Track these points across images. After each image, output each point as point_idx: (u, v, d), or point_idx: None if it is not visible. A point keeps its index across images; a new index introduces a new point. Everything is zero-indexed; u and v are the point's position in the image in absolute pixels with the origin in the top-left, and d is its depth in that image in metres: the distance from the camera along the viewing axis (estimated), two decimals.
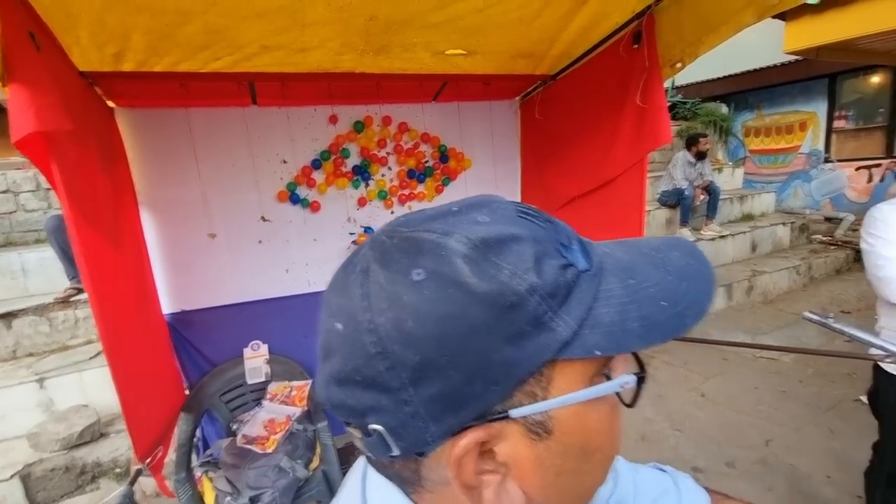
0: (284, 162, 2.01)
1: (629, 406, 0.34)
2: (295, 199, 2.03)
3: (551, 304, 0.28)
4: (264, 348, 1.96)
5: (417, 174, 2.23)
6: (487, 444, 0.29)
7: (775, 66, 6.10)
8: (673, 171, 5.07)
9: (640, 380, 0.33)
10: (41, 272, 3.46)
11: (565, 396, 0.29)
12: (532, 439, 0.30)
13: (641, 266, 0.33)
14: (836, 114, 6.28)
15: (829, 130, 6.34)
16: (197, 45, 1.43)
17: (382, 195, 2.18)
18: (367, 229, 2.17)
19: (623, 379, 0.32)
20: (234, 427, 1.82)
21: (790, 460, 2.36)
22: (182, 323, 1.93)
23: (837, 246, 5.54)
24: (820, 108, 6.36)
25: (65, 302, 3.21)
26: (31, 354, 3.09)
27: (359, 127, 2.08)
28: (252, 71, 1.65)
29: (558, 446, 0.30)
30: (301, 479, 1.64)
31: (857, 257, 5.26)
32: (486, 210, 0.32)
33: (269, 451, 1.67)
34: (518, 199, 2.49)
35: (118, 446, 2.57)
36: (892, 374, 1.45)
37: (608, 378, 0.32)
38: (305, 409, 1.81)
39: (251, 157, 1.93)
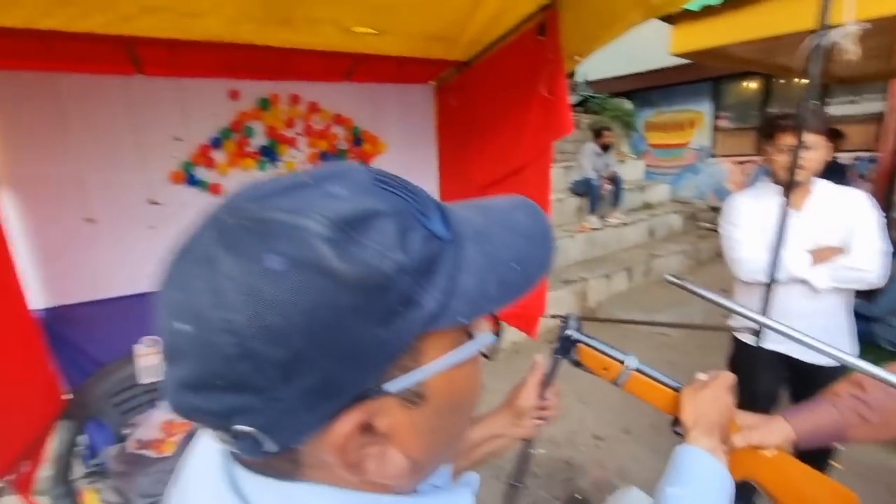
0: (178, 139, 1.83)
1: (488, 358, 0.37)
2: (192, 181, 1.87)
3: (419, 279, 0.28)
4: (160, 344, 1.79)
5: (330, 157, 2.15)
6: (365, 421, 0.29)
7: (672, 67, 6.69)
8: (582, 161, 5.41)
9: (497, 335, 0.36)
10: None
11: (435, 363, 0.30)
12: (408, 407, 0.30)
13: (495, 230, 0.34)
14: (719, 114, 7.07)
15: (714, 128, 7.13)
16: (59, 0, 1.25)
17: None
18: None
19: (484, 338, 0.34)
20: (126, 432, 1.66)
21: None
22: (60, 319, 1.71)
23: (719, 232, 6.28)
24: (706, 108, 7.11)
25: None
26: None
27: (264, 104, 1.95)
28: (132, 35, 1.48)
29: (432, 409, 0.31)
30: None
31: None
32: (341, 181, 0.29)
33: (167, 454, 1.54)
34: (437, 185, 2.50)
35: None
36: (743, 342, 1.68)
37: (471, 337, 0.33)
38: None
39: (135, 131, 1.73)
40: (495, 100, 2.04)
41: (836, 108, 5.65)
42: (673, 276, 0.69)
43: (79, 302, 1.74)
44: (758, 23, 1.97)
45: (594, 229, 5.22)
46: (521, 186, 2.02)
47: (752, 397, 1.64)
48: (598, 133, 5.43)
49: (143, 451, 1.56)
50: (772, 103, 6.41)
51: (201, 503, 0.35)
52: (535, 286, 0.34)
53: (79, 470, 1.66)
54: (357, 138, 2.20)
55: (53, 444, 1.57)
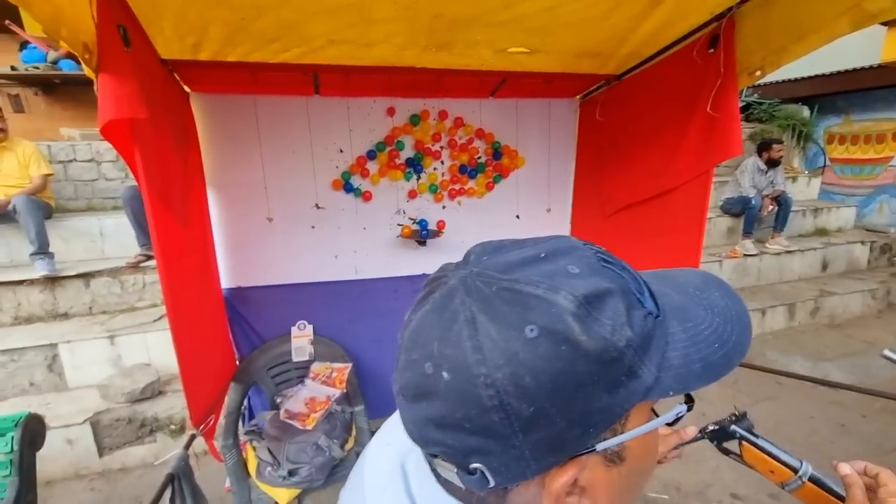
0: (341, 151, 2.06)
1: (671, 425, 0.39)
2: (349, 188, 2.08)
3: (640, 354, 0.31)
4: (309, 329, 2.05)
5: (469, 170, 2.22)
6: (578, 475, 0.33)
7: (871, 67, 5.50)
8: (741, 177, 4.76)
9: (689, 408, 0.38)
10: (116, 237, 3.77)
11: (638, 429, 0.33)
12: (608, 466, 0.34)
13: (693, 308, 0.37)
14: None
15: None
16: (268, 38, 1.49)
17: (433, 189, 2.20)
18: (421, 223, 2.20)
19: (678, 409, 0.38)
20: (279, 401, 1.93)
21: None
22: (237, 298, 2.05)
23: None
24: None
25: (135, 266, 3.48)
26: (104, 312, 3.40)
27: (415, 120, 2.09)
28: (317, 63, 1.69)
29: (627, 470, 0.35)
30: (336, 459, 1.72)
31: None
32: (573, 258, 0.33)
33: (309, 427, 1.75)
34: (570, 200, 2.43)
35: (174, 405, 2.78)
36: None
37: (653, 410, 0.37)
38: (344, 391, 1.89)
39: (310, 145, 1.99)
40: (649, 116, 1.90)
41: None
42: (893, 350, 0.57)
43: (253, 285, 2.06)
44: None
45: (748, 255, 4.56)
46: (671, 209, 1.86)
47: None
48: (764, 146, 4.73)
49: (291, 421, 1.79)
50: None
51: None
52: (732, 368, 0.35)
53: (240, 427, 1.98)
54: (496, 152, 2.23)
55: (226, 402, 1.90)
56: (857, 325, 4.36)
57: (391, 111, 2.07)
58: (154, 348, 3.03)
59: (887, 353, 0.72)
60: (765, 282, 4.66)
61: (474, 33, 1.56)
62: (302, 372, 2.03)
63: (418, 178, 2.18)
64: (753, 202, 4.57)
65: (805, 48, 1.37)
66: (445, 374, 0.31)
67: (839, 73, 5.99)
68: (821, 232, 5.50)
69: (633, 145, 2.00)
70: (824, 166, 6.64)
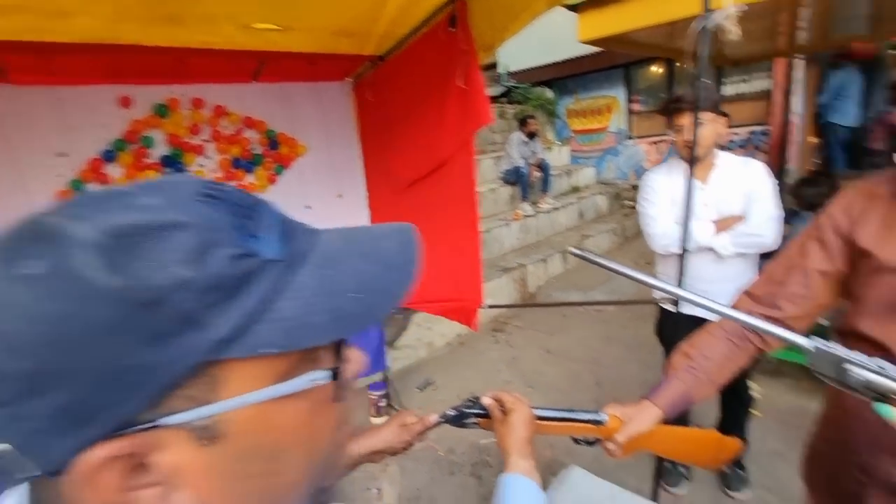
0: (62, 154, 1.63)
1: (336, 401, 0.33)
2: None
3: (207, 299, 0.25)
4: None
5: (244, 163, 2.02)
6: (136, 456, 0.26)
7: (586, 55, 7.00)
8: (510, 150, 5.53)
9: (335, 375, 0.31)
10: None
11: (235, 399, 0.27)
12: (199, 445, 0.27)
13: (349, 256, 0.32)
14: (632, 98, 7.52)
15: (629, 112, 7.57)
16: None
17: None
18: None
19: (311, 376, 0.30)
20: None
21: (616, 396, 2.80)
22: None
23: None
24: (620, 94, 7.53)
25: None
26: None
27: (161, 110, 1.79)
28: None
29: (234, 450, 0.28)
30: None
31: None
32: (161, 193, 0.27)
33: None
34: (363, 183, 2.44)
35: None
36: (667, 310, 1.79)
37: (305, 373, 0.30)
38: None
39: (9, 149, 1.52)
40: (412, 94, 2.01)
41: (729, 88, 6.19)
42: (576, 247, 0.70)
43: None
44: (655, 9, 2.11)
45: (527, 216, 5.37)
46: (446, 180, 2.01)
47: None
48: (522, 122, 5.57)
49: None
50: (676, 85, 6.92)
51: None
52: (378, 319, 0.31)
53: None
54: (273, 141, 2.08)
55: None
56: (608, 257, 5.57)
57: (125, 101, 1.72)
58: None
59: (571, 249, 0.89)
60: (542, 236, 5.57)
61: (207, 5, 1.39)
62: None
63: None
64: (523, 170, 5.38)
65: (518, 26, 1.61)
66: None
67: (567, 60, 7.44)
68: (574, 189, 6.83)
69: (405, 123, 2.09)
70: (569, 136, 8.24)
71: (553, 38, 5.53)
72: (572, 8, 2.40)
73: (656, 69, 7.18)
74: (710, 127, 1.57)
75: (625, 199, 7.04)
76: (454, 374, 3.26)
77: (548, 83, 8.17)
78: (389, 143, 2.22)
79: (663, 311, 1.84)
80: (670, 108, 1.62)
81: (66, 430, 0.24)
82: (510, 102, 7.86)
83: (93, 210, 0.25)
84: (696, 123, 1.35)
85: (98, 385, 0.24)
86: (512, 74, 8.43)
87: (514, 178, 5.50)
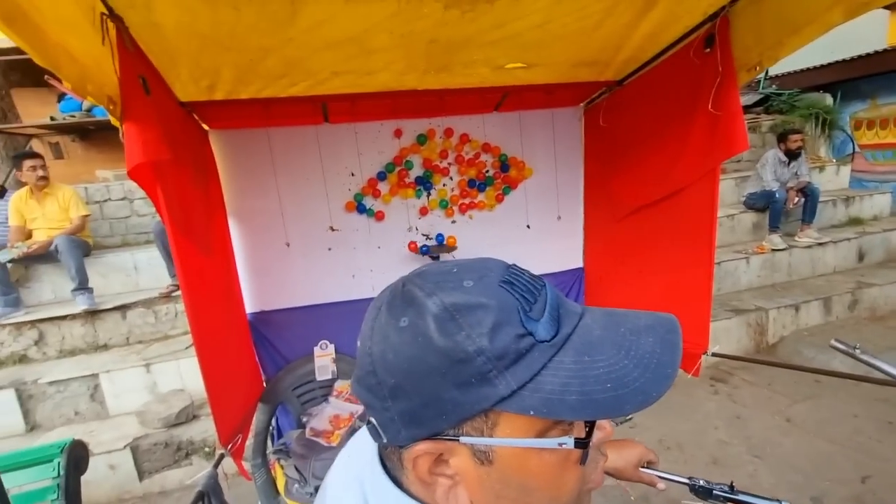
0: (352, 174, 2.14)
1: (581, 463, 0.40)
2: (361, 209, 2.15)
3: (497, 364, 0.35)
4: (331, 348, 2.11)
5: (478, 183, 2.27)
6: (442, 455, 0.39)
7: (894, 49, 5.32)
8: (762, 171, 4.64)
9: (580, 445, 0.38)
10: (149, 270, 3.96)
11: (503, 439, 0.37)
12: (476, 462, 0.38)
13: (606, 345, 0.37)
14: None
15: None
16: (276, 75, 1.58)
17: (444, 204, 2.25)
18: (438, 237, 2.25)
19: (559, 440, 0.38)
20: (304, 419, 1.98)
21: (892, 500, 2.09)
22: (261, 321, 2.13)
23: None
24: None
25: (167, 296, 3.65)
26: (140, 342, 3.56)
27: (421, 139, 2.16)
28: (324, 93, 1.78)
29: (498, 474, 0.38)
30: None
31: None
32: (475, 276, 0.39)
33: (334, 444, 1.80)
34: (581, 207, 2.44)
35: (207, 428, 2.88)
36: None
37: (559, 435, 0.38)
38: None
39: (322, 170, 2.08)
40: (652, 119, 1.91)
41: None
42: (840, 340, 0.58)
43: (275, 309, 2.14)
44: None
45: (777, 250, 4.42)
46: (682, 209, 1.86)
47: None
48: (782, 137, 4.62)
49: (317, 439, 1.84)
50: None
51: (338, 482, 0.49)
52: (625, 414, 0.36)
53: (269, 446, 2.04)
54: (504, 164, 2.27)
55: (254, 423, 1.96)
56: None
57: (398, 133, 2.14)
58: (187, 374, 3.15)
59: (834, 342, 0.72)
60: (797, 276, 4.50)
61: (470, 53, 1.62)
62: (326, 390, 2.09)
63: (428, 194, 2.24)
64: (777, 195, 4.44)
65: (801, 41, 1.36)
66: (358, 343, 0.41)
67: (861, 57, 5.80)
68: (855, 221, 5.28)
69: (638, 148, 2.01)
70: (853, 153, 6.40)
71: (837, 32, 4.38)
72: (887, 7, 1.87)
73: None
74: None
75: None
76: (659, 416, 2.95)
77: (826, 87, 6.52)
78: (617, 168, 2.16)
79: None
80: None
81: (406, 426, 0.38)
82: (768, 112, 6.57)
83: (436, 287, 0.38)
84: None
85: (426, 404, 0.36)
86: (773, 79, 7.04)
87: (763, 203, 4.61)
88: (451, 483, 0.40)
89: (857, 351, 0.64)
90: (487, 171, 2.27)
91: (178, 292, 3.58)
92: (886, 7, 1.83)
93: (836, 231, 4.97)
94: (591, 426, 0.39)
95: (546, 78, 1.95)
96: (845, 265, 4.71)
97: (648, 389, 0.36)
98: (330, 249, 2.14)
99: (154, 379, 3.13)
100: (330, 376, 2.08)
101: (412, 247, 2.19)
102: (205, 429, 2.88)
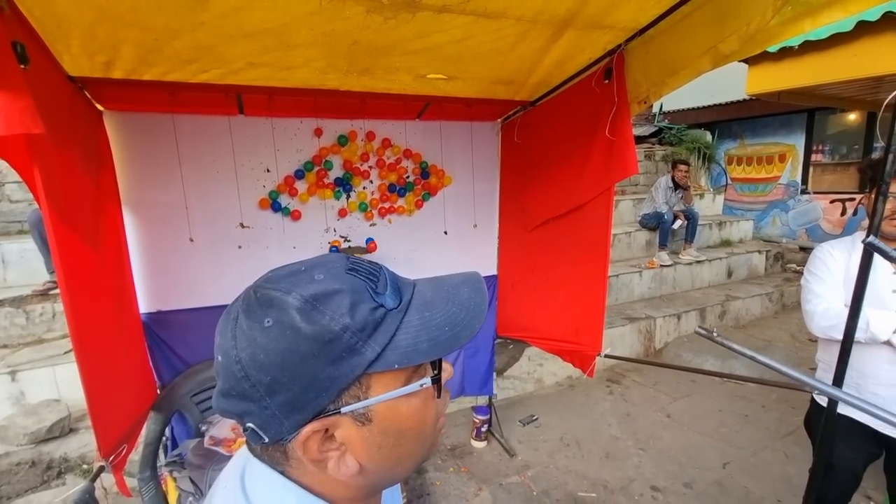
0: (268, 171, 2.07)
1: (438, 396, 0.48)
2: (276, 207, 2.09)
3: (361, 336, 0.40)
4: None
5: (398, 188, 2.30)
6: (328, 430, 0.42)
7: (758, 98, 6.29)
8: (655, 194, 5.21)
9: (435, 380, 0.46)
10: (22, 264, 3.46)
11: (378, 397, 0.42)
12: (358, 425, 0.43)
13: (438, 301, 0.46)
14: (814, 147, 6.50)
15: (807, 163, 6.56)
16: (186, 59, 1.50)
17: (363, 207, 2.25)
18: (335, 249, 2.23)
19: (420, 381, 0.44)
20: (203, 428, 1.85)
21: (745, 483, 2.44)
22: (158, 323, 1.97)
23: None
24: (799, 141, 6.57)
25: (43, 295, 3.21)
26: (4, 346, 3.08)
27: (343, 140, 2.15)
28: (239, 84, 1.71)
29: (378, 429, 0.43)
30: None
31: None
32: (323, 269, 0.43)
33: (235, 453, 1.70)
34: (496, 216, 2.57)
35: (87, 442, 2.57)
36: (818, 402, 1.55)
37: (419, 379, 0.45)
38: None
39: (235, 164, 1.98)
40: (559, 139, 2.08)
41: None
42: (703, 327, 0.70)
43: (175, 309, 1.99)
44: (848, 64, 1.85)
45: (664, 266, 4.98)
46: (582, 223, 2.04)
47: (828, 468, 1.50)
48: (674, 165, 5.24)
49: (216, 448, 1.73)
50: (876, 137, 5.80)
51: (221, 482, 0.49)
52: (461, 345, 0.45)
53: (161, 458, 1.87)
54: (424, 171, 2.33)
55: (144, 433, 1.80)
56: (758, 326, 4.87)
57: (318, 132, 2.12)
58: (65, 382, 2.78)
59: (697, 329, 0.86)
60: (679, 289, 5.09)
61: (392, 60, 1.66)
62: None
63: (348, 196, 2.23)
64: (666, 216, 5.02)
65: (678, 81, 1.58)
66: (219, 357, 0.42)
67: (732, 102, 6.78)
68: (725, 243, 6.12)
69: (547, 165, 2.18)
70: (726, 185, 7.43)
71: (717, 78, 5.12)
72: (743, 60, 2.24)
73: (849, 116, 6.14)
74: None
75: (789, 262, 6.08)
76: (560, 416, 3.17)
77: (708, 125, 7.51)
78: (528, 182, 2.32)
79: (815, 403, 1.59)
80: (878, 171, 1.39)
81: (289, 415, 0.40)
82: (661, 143, 7.41)
83: (291, 284, 0.41)
84: (883, 196, 1.17)
85: (306, 389, 0.40)
86: (666, 114, 7.96)
87: (655, 223, 5.17)
88: (339, 453, 0.43)
89: (715, 334, 0.77)
90: (408, 177, 2.32)
91: (58, 290, 3.17)
92: (744, 61, 2.20)
93: (711, 251, 5.71)
94: (438, 365, 0.46)
95: (466, 92, 2.05)
96: (717, 280, 5.43)
97: (472, 324, 0.46)
98: (240, 247, 2.05)
99: (21, 388, 2.72)
100: None
101: (336, 245, 2.16)
102: (84, 443, 2.57)
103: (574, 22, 1.50)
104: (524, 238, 2.42)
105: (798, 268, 5.95)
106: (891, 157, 1.05)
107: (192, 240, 1.94)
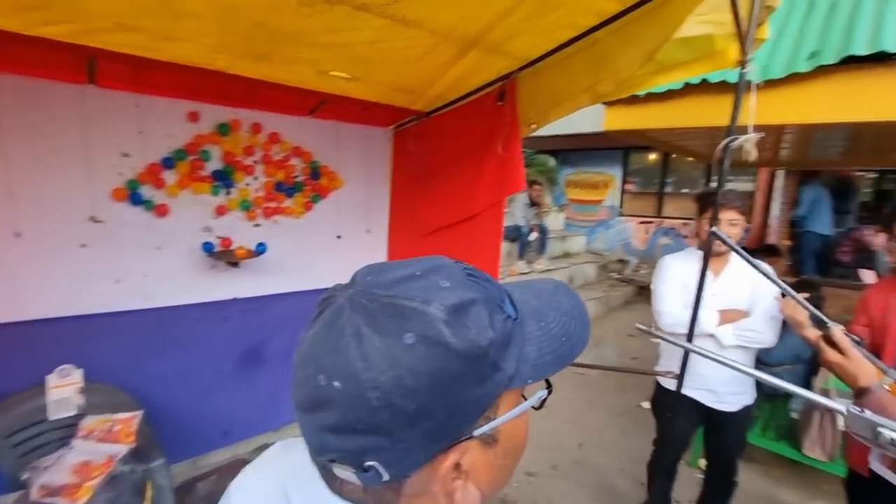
0: (126, 155, 1.74)
1: (537, 409, 0.46)
2: (136, 200, 1.76)
3: (501, 350, 0.37)
4: (78, 374, 1.61)
5: (287, 188, 2.15)
6: (459, 459, 0.38)
7: (591, 133, 7.50)
8: (514, 209, 5.80)
9: (549, 392, 0.45)
10: None
11: (508, 414, 0.39)
12: (485, 448, 0.39)
13: (545, 310, 0.44)
14: (627, 178, 8.02)
15: (623, 191, 8.04)
16: (25, 3, 1.19)
17: (245, 206, 2.03)
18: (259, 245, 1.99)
19: (541, 394, 0.43)
20: (26, 476, 1.44)
21: (597, 459, 2.85)
22: None
23: (626, 282, 6.97)
24: (617, 172, 8.04)
25: None
26: None
27: (224, 129, 1.93)
28: (97, 46, 1.42)
29: (501, 449, 0.40)
30: None
31: (640, 292, 6.69)
32: (443, 274, 0.39)
33: (82, 501, 1.37)
34: (387, 223, 2.57)
35: None
36: (664, 386, 1.92)
37: (523, 396, 0.43)
38: (134, 445, 1.54)
39: (84, 144, 1.62)
40: (454, 151, 2.19)
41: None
42: (641, 324, 0.83)
43: None
44: (671, 115, 2.39)
45: (522, 273, 5.55)
46: (475, 232, 2.16)
47: (668, 437, 1.87)
48: (530, 185, 5.89)
49: (52, 500, 1.37)
50: (668, 174, 7.44)
51: None
52: (577, 355, 0.45)
53: None
54: (315, 172, 2.22)
55: None
56: (593, 325, 5.73)
57: (194, 116, 1.86)
58: None
59: (638, 325, 1.02)
60: None
61: (297, 50, 1.56)
62: (66, 432, 1.57)
63: (228, 192, 1.99)
64: (524, 230, 5.62)
65: (561, 112, 1.81)
66: (337, 383, 0.34)
67: (572, 135, 7.94)
68: (566, 255, 7.09)
69: (441, 175, 2.27)
70: (566, 204, 8.63)
71: None
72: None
73: (651, 156, 7.72)
74: (740, 227, 1.74)
75: (611, 272, 7.31)
76: None
77: (552, 152, 8.65)
78: (422, 190, 2.38)
79: (660, 386, 1.96)
80: (709, 201, 1.76)
81: (426, 448, 0.35)
82: None
83: (423, 292, 0.36)
84: (716, 220, 1.51)
85: (451, 414, 0.35)
86: None
87: (515, 235, 5.73)
88: (463, 482, 0.38)
89: (653, 328, 0.90)
90: (297, 177, 2.18)
91: None
92: (605, 103, 2.66)
93: (556, 261, 6.56)
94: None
95: (365, 94, 2.03)
96: None
97: (584, 334, 0.45)
98: (84, 246, 1.66)
99: None
100: (73, 412, 1.58)
101: (241, 253, 1.90)
102: None
103: (479, 43, 1.62)
104: (417, 244, 2.47)
105: (617, 276, 7.20)
106: (721, 191, 1.38)
107: (18, 234, 1.52)
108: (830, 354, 1.04)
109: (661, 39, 1.35)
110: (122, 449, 1.53)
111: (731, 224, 1.71)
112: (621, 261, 7.74)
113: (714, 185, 1.47)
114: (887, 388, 0.93)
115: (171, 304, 1.87)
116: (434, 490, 0.37)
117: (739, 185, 6.61)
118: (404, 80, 1.91)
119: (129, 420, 1.62)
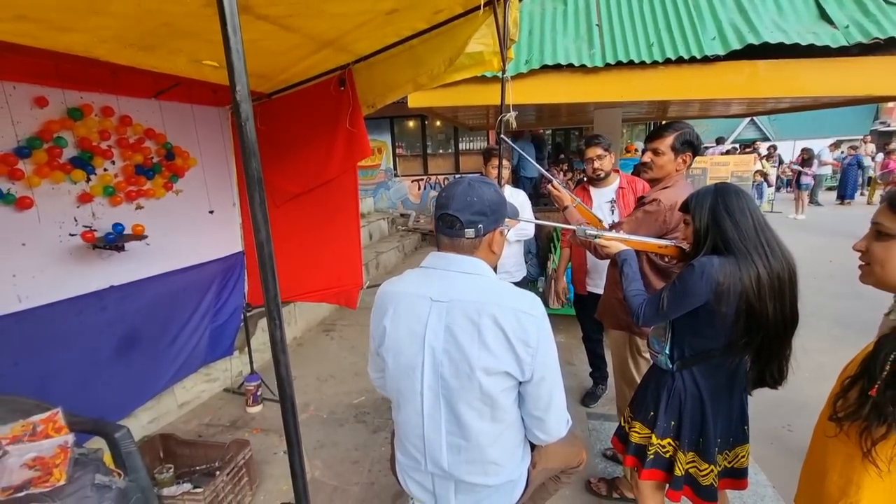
0: None
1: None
2: None
3: (504, 208, 1.15)
4: None
5: (145, 170, 2.18)
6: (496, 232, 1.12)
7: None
8: None
9: (508, 229, 1.21)
10: None
11: (503, 226, 1.16)
12: (500, 233, 1.14)
13: (503, 203, 1.47)
14: (396, 144, 9.17)
15: (395, 155, 9.17)
16: None
17: (109, 191, 2.02)
18: (116, 227, 1.98)
19: (505, 227, 1.19)
20: None
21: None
22: None
23: (412, 231, 8.22)
24: (388, 139, 9.08)
25: None
26: None
27: (76, 114, 1.87)
28: None
29: (503, 235, 1.15)
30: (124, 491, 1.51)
31: (424, 238, 8.03)
32: (488, 184, 1.11)
33: (62, 482, 1.43)
34: (237, 194, 2.78)
35: None
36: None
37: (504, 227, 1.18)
38: (73, 435, 1.56)
39: None
40: (303, 126, 2.60)
41: (462, 145, 8.50)
42: (581, 228, 1.69)
43: None
44: (455, 96, 3.34)
45: None
46: (332, 193, 2.68)
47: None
48: None
49: (27, 492, 1.40)
50: (427, 139, 8.92)
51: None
52: (513, 215, 1.21)
53: None
54: (169, 153, 2.29)
55: None
56: (399, 269, 6.74)
57: (41, 101, 1.77)
58: None
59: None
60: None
61: (188, 44, 1.76)
62: None
63: (89, 179, 1.95)
64: None
65: (394, 96, 2.46)
66: (475, 199, 1.05)
67: None
68: (361, 216, 7.83)
69: (292, 148, 2.65)
70: None
71: None
72: None
73: (413, 124, 9.02)
74: (608, 159, 2.60)
75: (399, 226, 8.46)
76: (306, 366, 3.65)
77: None
78: (275, 163, 2.69)
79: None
80: (491, 154, 2.74)
81: (493, 224, 1.10)
82: None
83: (483, 181, 1.10)
84: (501, 168, 2.48)
85: (496, 215, 1.10)
86: None
87: None
88: (499, 237, 1.11)
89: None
90: (153, 158, 2.23)
91: None
92: None
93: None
94: None
95: (218, 78, 2.23)
96: (367, 243, 7.02)
97: (512, 209, 1.28)
98: None
99: None
100: None
101: (88, 237, 1.87)
102: None
103: (334, 44, 2.13)
104: (273, 213, 2.75)
105: (403, 228, 8.39)
106: (502, 155, 2.34)
107: None
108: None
109: (456, 51, 2.14)
110: (68, 437, 1.56)
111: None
112: (403, 215, 8.96)
113: (493, 145, 2.43)
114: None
115: (46, 303, 1.80)
116: (493, 238, 1.09)
117: (476, 143, 8.57)
118: (262, 69, 2.23)
119: (50, 418, 1.61)
